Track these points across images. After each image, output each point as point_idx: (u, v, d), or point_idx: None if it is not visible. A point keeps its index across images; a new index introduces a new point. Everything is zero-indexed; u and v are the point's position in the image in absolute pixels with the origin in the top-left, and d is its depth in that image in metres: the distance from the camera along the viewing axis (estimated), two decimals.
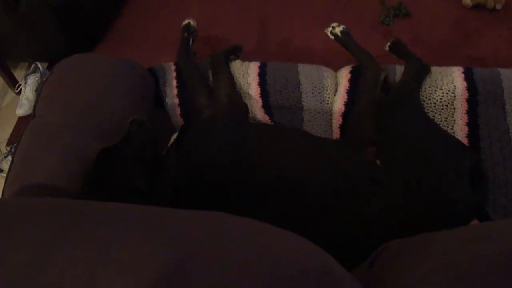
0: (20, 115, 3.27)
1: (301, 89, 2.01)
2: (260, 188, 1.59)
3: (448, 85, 1.91)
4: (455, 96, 1.89)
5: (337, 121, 1.98)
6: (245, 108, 1.97)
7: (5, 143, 3.16)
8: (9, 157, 2.98)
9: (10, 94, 3.52)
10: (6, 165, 2.96)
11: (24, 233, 0.94)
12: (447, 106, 1.90)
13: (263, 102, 2.02)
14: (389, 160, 1.64)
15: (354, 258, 1.29)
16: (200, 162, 1.70)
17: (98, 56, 2.47)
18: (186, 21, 2.31)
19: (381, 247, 1.24)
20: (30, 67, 3.41)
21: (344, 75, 2.05)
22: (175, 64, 2.18)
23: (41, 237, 0.93)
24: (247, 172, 1.64)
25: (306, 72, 2.06)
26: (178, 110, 2.08)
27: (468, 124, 1.88)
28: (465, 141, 1.86)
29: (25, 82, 3.34)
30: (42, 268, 0.88)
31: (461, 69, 1.96)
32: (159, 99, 2.10)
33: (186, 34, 2.26)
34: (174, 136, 1.90)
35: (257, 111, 2.00)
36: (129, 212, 1.06)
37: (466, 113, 1.88)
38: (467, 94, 1.89)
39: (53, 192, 1.51)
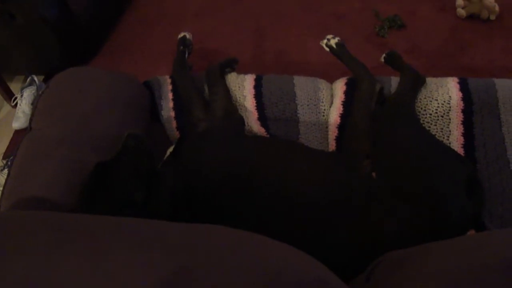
0: (16, 128, 3.27)
1: (296, 101, 2.01)
2: (256, 201, 1.59)
3: (443, 96, 1.92)
4: (450, 107, 1.90)
5: (333, 133, 1.98)
6: (241, 121, 1.97)
7: (1, 157, 3.15)
8: (5, 171, 2.98)
9: (6, 107, 3.52)
10: (2, 179, 2.95)
11: (21, 246, 0.94)
12: (442, 116, 1.90)
13: (259, 114, 2.02)
14: (385, 172, 1.65)
15: (351, 270, 1.29)
16: (196, 175, 1.70)
17: (93, 69, 2.47)
18: (182, 34, 2.32)
19: (378, 259, 1.24)
20: (26, 80, 3.42)
21: (339, 87, 2.05)
22: (171, 77, 2.18)
23: (38, 251, 0.92)
24: (243, 185, 1.64)
25: (302, 84, 2.06)
26: (174, 123, 2.07)
27: (464, 135, 1.88)
28: (461, 151, 1.86)
29: (21, 95, 3.35)
30: (39, 282, 0.88)
31: (456, 79, 1.97)
32: (155, 112, 2.10)
33: (181, 47, 2.27)
34: (170, 149, 1.90)
35: (253, 123, 2.00)
36: (125, 226, 1.06)
37: (461, 124, 1.89)
38: (462, 105, 1.89)
39: (49, 205, 1.51)
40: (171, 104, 2.08)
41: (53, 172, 1.60)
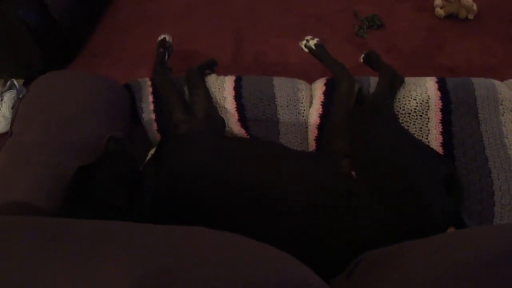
0: None
1: (276, 102, 2.02)
2: (237, 203, 1.60)
3: (421, 95, 1.93)
4: (429, 106, 1.91)
5: (312, 133, 1.99)
6: (221, 122, 1.97)
7: None
8: None
9: None
10: None
11: (3, 251, 0.94)
12: (421, 116, 1.92)
13: (239, 115, 2.02)
14: (365, 172, 1.66)
15: (332, 270, 1.30)
16: (178, 177, 1.69)
17: (73, 73, 2.47)
18: (162, 37, 2.32)
19: (358, 258, 1.25)
20: (6, 84, 3.39)
21: (319, 88, 2.06)
22: (151, 79, 2.17)
23: (21, 255, 0.93)
24: (224, 187, 1.64)
25: (281, 85, 2.07)
26: (155, 126, 2.07)
27: (443, 133, 1.90)
28: (440, 150, 1.88)
29: (1, 99, 3.32)
30: (23, 286, 0.88)
31: (434, 79, 1.99)
32: (135, 115, 2.09)
33: (161, 49, 2.27)
34: (152, 151, 1.90)
35: (233, 125, 2.01)
36: (107, 229, 1.06)
37: (440, 123, 1.90)
38: (440, 104, 1.91)
39: (31, 211, 1.50)
40: (151, 107, 2.08)
41: (35, 177, 1.59)
